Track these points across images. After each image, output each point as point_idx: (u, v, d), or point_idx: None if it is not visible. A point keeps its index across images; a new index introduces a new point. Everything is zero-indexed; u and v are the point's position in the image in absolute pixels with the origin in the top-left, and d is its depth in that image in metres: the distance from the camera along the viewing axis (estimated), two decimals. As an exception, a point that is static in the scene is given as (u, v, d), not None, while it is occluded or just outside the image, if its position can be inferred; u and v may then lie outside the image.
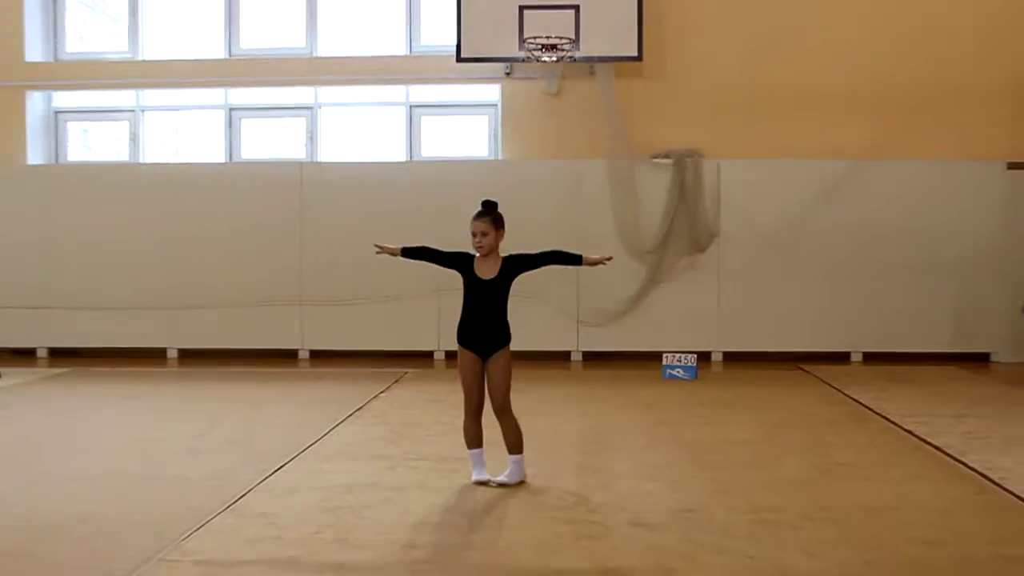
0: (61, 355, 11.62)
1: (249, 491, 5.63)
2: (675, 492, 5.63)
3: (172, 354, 11.64)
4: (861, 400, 8.61)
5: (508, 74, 11.68)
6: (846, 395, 8.92)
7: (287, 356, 11.55)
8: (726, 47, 11.55)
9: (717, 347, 11.27)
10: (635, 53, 11.09)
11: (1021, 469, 6.09)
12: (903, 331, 11.14)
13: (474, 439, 5.83)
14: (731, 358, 11.23)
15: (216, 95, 12.43)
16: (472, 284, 5.76)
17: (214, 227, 11.52)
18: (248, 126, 12.51)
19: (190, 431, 7.33)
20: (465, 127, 12.43)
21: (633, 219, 11.21)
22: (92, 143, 13.14)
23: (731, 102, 11.48)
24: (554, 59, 10.82)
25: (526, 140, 11.79)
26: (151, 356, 11.57)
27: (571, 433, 7.34)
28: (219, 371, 10.60)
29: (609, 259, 5.92)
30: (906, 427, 7.43)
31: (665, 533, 4.86)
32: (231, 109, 12.45)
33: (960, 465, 6.27)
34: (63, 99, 12.63)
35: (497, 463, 5.85)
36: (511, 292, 5.79)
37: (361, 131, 12.44)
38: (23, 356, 11.64)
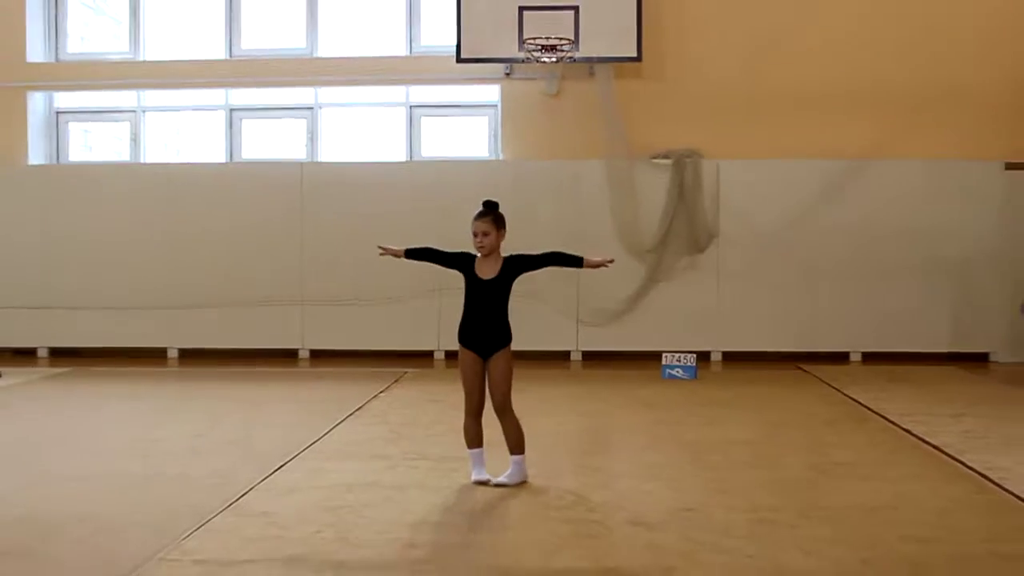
0: (61, 355, 11.63)
1: (249, 490, 5.64)
2: (674, 491, 5.64)
3: (172, 354, 11.66)
4: (860, 400, 8.62)
5: (508, 75, 11.70)
6: (845, 395, 8.93)
7: (287, 356, 11.57)
8: (725, 48, 11.56)
9: (716, 347, 11.28)
10: (634, 54, 11.11)
11: (1020, 468, 6.10)
12: (902, 331, 11.16)
13: (474, 439, 5.84)
14: (730, 358, 11.24)
15: (217, 95, 12.44)
16: (473, 284, 5.78)
17: (214, 227, 11.54)
18: (248, 126, 12.52)
19: (190, 431, 7.35)
20: (465, 127, 12.44)
21: (632, 219, 11.23)
22: (93, 143, 13.15)
23: (730, 102, 11.50)
24: (554, 60, 10.84)
25: (526, 140, 11.81)
26: (151, 356, 11.58)
27: (571, 433, 7.35)
28: (219, 371, 10.61)
29: (611, 262, 5.93)
30: (905, 427, 7.45)
31: (664, 532, 4.87)
32: (231, 109, 12.46)
33: (958, 464, 6.29)
34: (64, 99, 12.64)
35: (498, 463, 5.86)
36: (512, 292, 5.81)
37: (361, 131, 12.46)
38: (23, 356, 11.66)
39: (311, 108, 12.37)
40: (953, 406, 8.32)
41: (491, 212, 5.77)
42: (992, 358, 11.20)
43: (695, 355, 10.08)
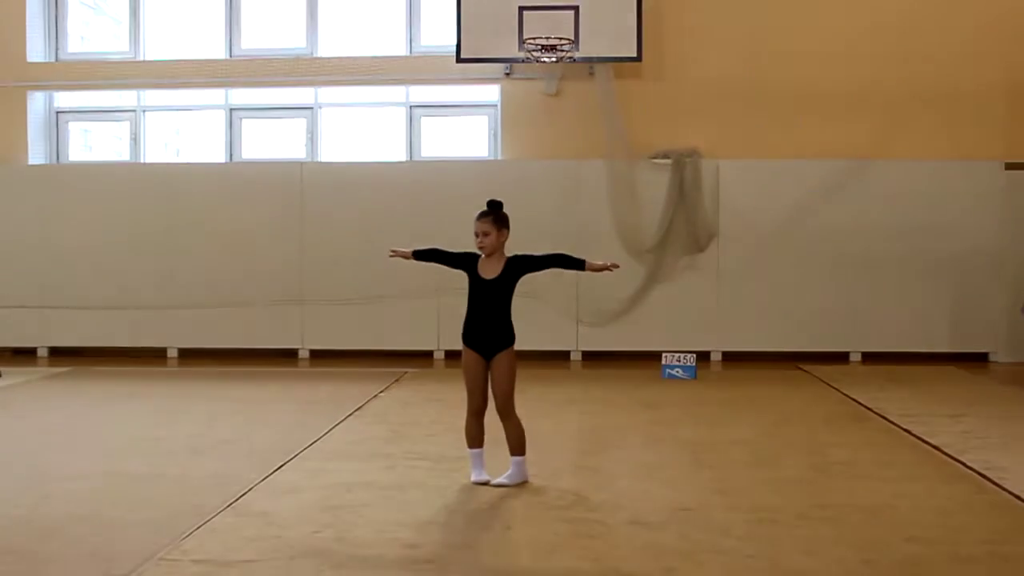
0: (61, 355, 11.64)
1: (249, 490, 5.64)
2: (674, 491, 5.64)
3: (172, 354, 11.66)
4: (860, 400, 8.62)
5: (508, 75, 11.70)
6: (845, 395, 8.94)
7: (287, 356, 11.57)
8: (725, 48, 11.56)
9: (716, 347, 11.28)
10: (634, 54, 11.11)
11: (1019, 468, 6.10)
12: (902, 331, 11.16)
13: (475, 439, 5.84)
14: (730, 358, 11.25)
15: (217, 95, 12.44)
16: (476, 284, 5.79)
17: (214, 227, 11.54)
18: (248, 126, 12.52)
19: (190, 430, 7.35)
20: (465, 127, 12.45)
21: (632, 219, 11.23)
22: (93, 143, 13.15)
23: (730, 102, 11.50)
24: (554, 60, 10.84)
25: (526, 140, 11.81)
26: (151, 356, 11.58)
27: (570, 432, 7.35)
28: (219, 371, 10.62)
29: (615, 266, 5.92)
30: (904, 426, 7.45)
31: (664, 532, 4.87)
32: (231, 109, 12.47)
33: (958, 464, 6.29)
34: (64, 99, 12.65)
35: (500, 463, 5.86)
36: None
37: (361, 131, 12.46)
38: (23, 356, 11.66)
39: (311, 108, 12.37)
40: (953, 406, 8.32)
41: (492, 212, 5.77)
42: (992, 358, 11.20)
43: (695, 355, 10.08)
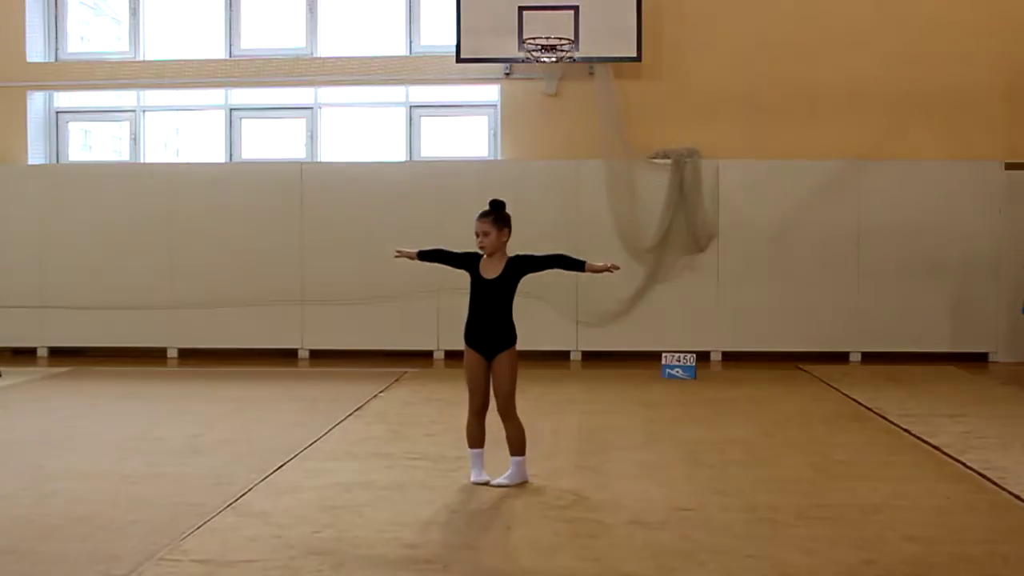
0: (61, 355, 11.64)
1: (249, 490, 5.65)
2: (673, 491, 5.65)
3: (172, 354, 11.66)
4: (859, 400, 8.63)
5: (508, 75, 11.70)
6: (844, 395, 8.94)
7: (287, 356, 11.57)
8: (725, 48, 11.56)
9: (716, 347, 11.28)
10: (634, 54, 11.10)
11: (1019, 468, 6.11)
12: (902, 331, 11.16)
13: (475, 439, 5.84)
14: (730, 358, 11.24)
15: (216, 95, 12.45)
16: (477, 284, 5.80)
17: (214, 227, 11.54)
18: (248, 126, 12.52)
19: (190, 430, 7.35)
20: (465, 127, 12.45)
21: (632, 219, 11.23)
22: (93, 143, 13.15)
23: (730, 102, 11.50)
24: (553, 60, 10.84)
25: (525, 140, 11.81)
26: (151, 356, 11.59)
27: (570, 432, 7.35)
28: (219, 371, 10.62)
29: (616, 268, 5.92)
30: (904, 426, 7.45)
31: (663, 532, 4.88)
32: (231, 109, 12.47)
33: (958, 464, 6.29)
34: (64, 99, 12.65)
35: (499, 463, 5.86)
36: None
37: (361, 131, 12.46)
38: (23, 356, 11.66)
39: (311, 108, 12.37)
40: (952, 406, 8.33)
41: (492, 212, 5.79)
42: (992, 358, 11.20)
43: (695, 355, 10.08)
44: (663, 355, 10.09)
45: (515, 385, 5.79)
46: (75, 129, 12.81)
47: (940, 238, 11.10)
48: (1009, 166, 11.21)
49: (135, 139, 12.52)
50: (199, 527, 4.94)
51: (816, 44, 11.49)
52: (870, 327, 11.17)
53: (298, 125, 12.43)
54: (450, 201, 10.90)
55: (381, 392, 9.09)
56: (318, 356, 11.52)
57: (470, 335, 5.81)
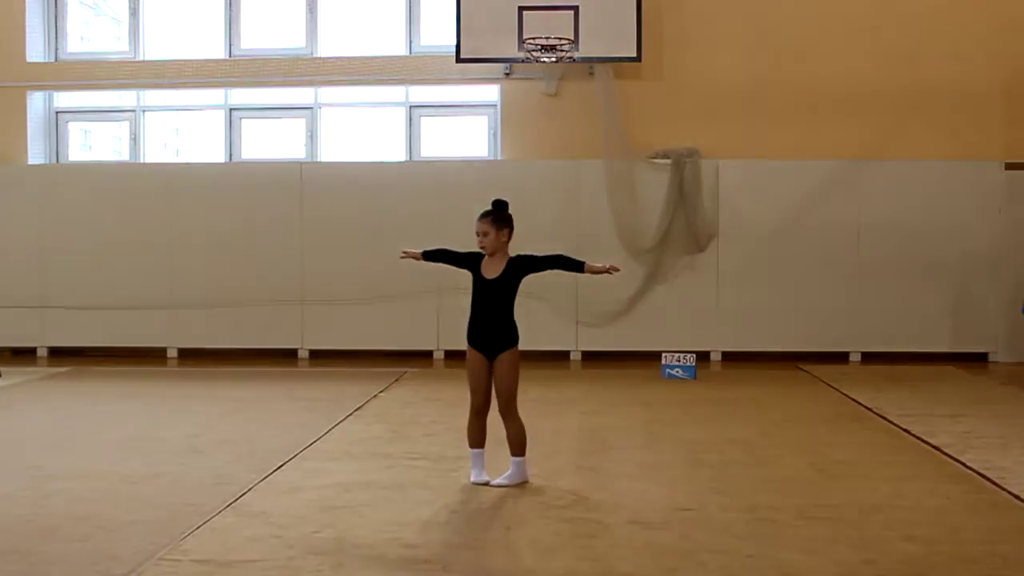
0: (61, 355, 11.64)
1: (249, 490, 5.65)
2: (673, 491, 5.65)
3: (172, 354, 11.66)
4: (859, 400, 8.63)
5: (507, 75, 11.70)
6: (844, 395, 8.94)
7: (287, 356, 11.57)
8: (725, 48, 11.56)
9: (716, 347, 11.28)
10: (634, 54, 11.11)
11: (1019, 468, 6.11)
12: (902, 331, 11.16)
13: (476, 439, 5.84)
14: (730, 358, 11.24)
15: (216, 95, 12.45)
16: (478, 283, 5.81)
17: (214, 227, 11.54)
18: (248, 126, 12.52)
19: (190, 430, 7.35)
20: (465, 127, 12.45)
21: (632, 219, 11.23)
22: (93, 143, 13.15)
23: (730, 102, 11.50)
24: (553, 60, 10.84)
25: (525, 140, 11.81)
26: (151, 356, 11.59)
27: (570, 432, 7.35)
28: (219, 371, 10.62)
29: (616, 269, 5.91)
30: (904, 426, 7.45)
31: (663, 532, 4.87)
32: (231, 109, 12.47)
33: (958, 464, 6.29)
34: (64, 99, 12.65)
35: (499, 463, 5.86)
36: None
37: (361, 131, 12.46)
38: (23, 356, 11.66)
39: (311, 108, 12.37)
40: (952, 406, 8.33)
41: (493, 212, 5.80)
42: (992, 358, 11.20)
43: (695, 355, 10.08)
44: (663, 355, 10.09)
45: (517, 385, 5.79)
46: (75, 129, 12.82)
47: (940, 238, 11.10)
48: (1009, 166, 11.21)
49: (135, 139, 12.53)
50: (199, 527, 4.94)
51: (817, 44, 11.49)
52: (870, 327, 11.17)
53: (298, 125, 12.43)
54: (450, 201, 10.90)
55: (381, 392, 9.09)
56: (318, 356, 11.52)
57: (472, 335, 5.81)
